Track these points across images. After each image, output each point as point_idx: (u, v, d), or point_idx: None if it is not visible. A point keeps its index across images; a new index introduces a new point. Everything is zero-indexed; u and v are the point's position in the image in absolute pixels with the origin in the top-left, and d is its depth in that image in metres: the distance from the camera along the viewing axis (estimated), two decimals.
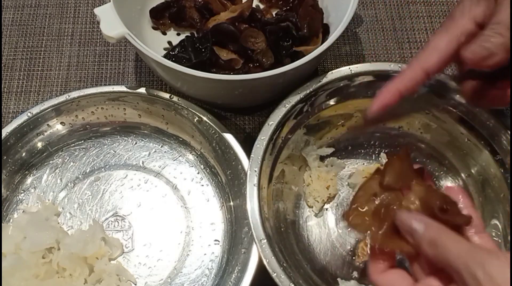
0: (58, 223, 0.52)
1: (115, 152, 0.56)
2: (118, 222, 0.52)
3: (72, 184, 0.54)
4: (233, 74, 0.53)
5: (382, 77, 0.52)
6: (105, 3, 0.49)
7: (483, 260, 0.28)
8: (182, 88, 0.54)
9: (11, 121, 0.53)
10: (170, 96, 0.53)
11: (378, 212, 0.35)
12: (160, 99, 0.53)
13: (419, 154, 0.55)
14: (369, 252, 0.36)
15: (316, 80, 0.51)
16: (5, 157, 0.52)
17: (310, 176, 0.53)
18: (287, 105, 0.49)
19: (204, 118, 0.52)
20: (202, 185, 0.54)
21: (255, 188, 0.46)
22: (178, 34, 0.62)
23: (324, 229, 0.52)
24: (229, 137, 0.51)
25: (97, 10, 0.49)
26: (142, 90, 0.53)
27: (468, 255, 0.29)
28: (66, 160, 0.56)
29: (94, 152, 0.56)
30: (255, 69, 0.54)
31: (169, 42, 0.61)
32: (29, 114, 0.53)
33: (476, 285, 0.27)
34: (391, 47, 0.65)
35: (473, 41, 0.35)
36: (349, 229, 0.36)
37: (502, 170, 0.49)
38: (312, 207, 0.53)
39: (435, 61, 0.37)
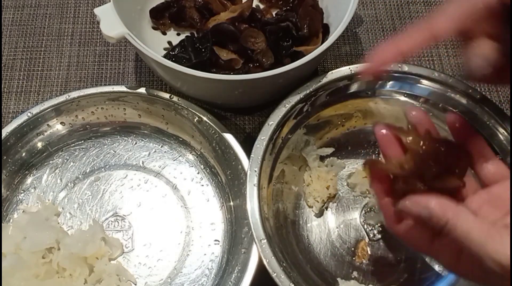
0: (58, 223, 0.52)
1: (115, 152, 0.56)
2: (118, 222, 0.52)
3: (72, 184, 0.54)
4: (233, 74, 0.53)
5: (382, 77, 0.52)
6: (105, 3, 0.49)
7: (502, 246, 0.28)
8: (182, 88, 0.54)
9: (11, 121, 0.53)
10: (170, 96, 0.53)
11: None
12: (160, 99, 0.53)
13: None
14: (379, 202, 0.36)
15: (316, 80, 0.51)
16: (5, 157, 0.52)
17: (310, 176, 0.53)
18: (287, 105, 0.49)
19: (204, 118, 0.52)
20: (202, 185, 0.54)
21: (255, 188, 0.46)
22: (178, 34, 0.62)
23: (324, 229, 0.52)
24: (229, 137, 0.51)
25: (97, 10, 0.49)
26: (142, 90, 0.53)
27: (481, 247, 0.29)
28: (66, 160, 0.56)
29: (94, 152, 0.56)
30: (255, 69, 0.54)
31: (169, 42, 0.61)
32: (29, 114, 0.53)
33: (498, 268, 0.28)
34: None
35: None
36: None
37: None
38: (312, 207, 0.53)
39: (447, 26, 0.34)
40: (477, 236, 0.29)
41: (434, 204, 0.32)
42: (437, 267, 0.50)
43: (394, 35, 0.35)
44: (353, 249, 0.51)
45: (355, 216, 0.53)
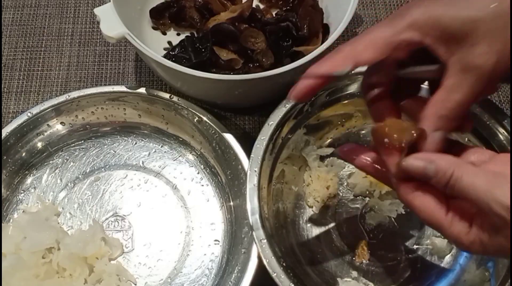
0: (58, 223, 0.52)
1: (115, 152, 0.56)
2: (118, 222, 0.52)
3: (72, 184, 0.54)
4: (233, 74, 0.53)
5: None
6: (105, 3, 0.49)
7: (503, 195, 0.28)
8: (182, 88, 0.54)
9: (11, 121, 0.53)
10: (170, 96, 0.53)
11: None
12: (160, 99, 0.53)
13: None
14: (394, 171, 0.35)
15: None
16: (5, 157, 0.52)
17: (310, 176, 0.53)
18: (287, 105, 0.49)
19: (204, 118, 0.52)
20: (202, 185, 0.54)
21: (255, 188, 0.46)
22: (178, 34, 0.62)
23: (324, 229, 0.52)
24: (229, 137, 0.51)
25: (97, 10, 0.49)
26: (142, 90, 0.53)
27: (487, 193, 0.29)
28: (66, 160, 0.56)
29: (94, 152, 0.56)
30: (255, 69, 0.54)
31: (169, 42, 0.61)
32: (29, 114, 0.53)
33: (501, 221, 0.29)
34: None
35: None
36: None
37: None
38: (312, 207, 0.53)
39: (369, 58, 0.35)
40: (483, 183, 0.30)
41: (438, 157, 0.32)
42: (437, 267, 0.50)
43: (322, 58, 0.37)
44: (353, 249, 0.51)
45: (355, 216, 0.53)
